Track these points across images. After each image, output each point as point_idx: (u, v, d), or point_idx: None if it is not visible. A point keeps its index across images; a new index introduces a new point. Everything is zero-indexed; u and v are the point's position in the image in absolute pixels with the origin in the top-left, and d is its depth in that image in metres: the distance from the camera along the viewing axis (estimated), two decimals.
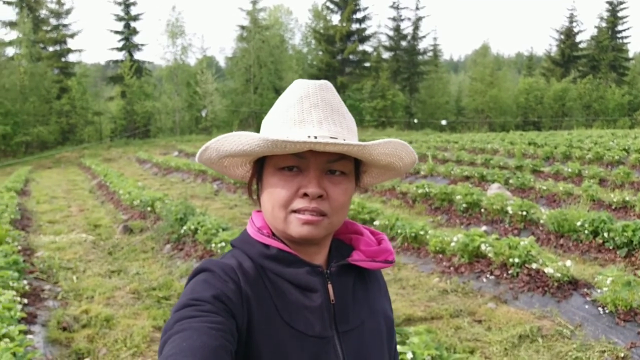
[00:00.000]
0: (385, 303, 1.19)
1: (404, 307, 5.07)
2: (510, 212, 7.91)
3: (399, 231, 7.28)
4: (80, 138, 38.20)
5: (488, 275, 5.62)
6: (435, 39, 56.77)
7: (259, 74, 42.98)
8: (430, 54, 50.33)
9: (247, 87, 43.39)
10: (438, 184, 11.40)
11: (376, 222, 7.81)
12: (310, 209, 0.96)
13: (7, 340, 3.73)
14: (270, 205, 1.00)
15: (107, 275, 6.90)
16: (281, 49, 45.24)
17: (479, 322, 4.73)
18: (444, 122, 39.66)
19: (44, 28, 40.04)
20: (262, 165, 1.03)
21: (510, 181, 11.15)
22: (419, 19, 48.35)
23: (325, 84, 1.03)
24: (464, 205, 8.98)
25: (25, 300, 5.17)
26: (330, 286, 1.04)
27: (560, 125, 43.23)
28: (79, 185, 17.87)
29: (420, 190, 10.34)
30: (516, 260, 5.35)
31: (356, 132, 1.06)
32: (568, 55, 49.49)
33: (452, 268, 6.09)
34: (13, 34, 37.98)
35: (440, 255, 6.51)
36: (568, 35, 49.59)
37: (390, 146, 1.01)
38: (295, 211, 0.97)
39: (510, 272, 5.43)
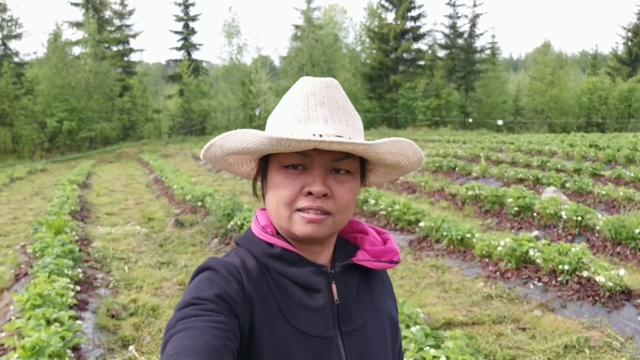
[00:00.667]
0: (390, 303, 1.17)
1: (444, 311, 4.96)
2: (565, 217, 7.58)
3: (444, 233, 7.14)
4: (140, 134, 39.75)
5: (535, 282, 5.42)
6: (493, 36, 55.31)
7: (311, 73, 43.18)
8: (488, 52, 48.98)
9: None
10: (490, 186, 11.09)
11: (421, 224, 7.68)
12: (315, 207, 0.95)
13: (57, 324, 3.94)
14: (274, 204, 0.99)
15: (157, 266, 7.14)
16: (335, 47, 45.30)
17: (523, 329, 4.57)
18: (500, 122, 38.51)
19: (108, 28, 41.95)
20: (267, 163, 1.02)
21: (567, 185, 10.68)
22: (477, 16, 47.14)
23: (332, 81, 1.02)
24: (516, 208, 8.68)
25: (78, 288, 5.46)
26: (334, 286, 1.03)
27: (625, 127, 40.97)
28: (137, 180, 18.59)
29: (470, 192, 10.08)
30: (566, 267, 5.13)
31: (362, 131, 1.05)
32: (636, 54, 46.86)
33: (498, 273, 5.91)
34: (79, 34, 40.04)
35: (487, 260, 6.33)
36: (636, 32, 46.94)
37: (397, 145, 1.00)
38: (299, 210, 0.97)
39: (559, 279, 5.21)
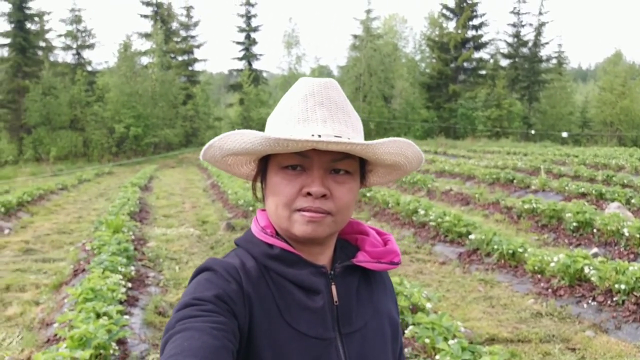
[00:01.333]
0: (391, 305, 1.16)
1: (489, 327, 4.80)
2: (627, 234, 7.15)
3: (495, 247, 6.92)
4: (201, 141, 41.03)
5: (589, 301, 5.14)
6: (560, 45, 53.10)
7: (368, 82, 43.23)
8: (554, 61, 47.17)
9: (357, 95, 43.79)
10: (549, 199, 10.63)
11: (472, 236, 7.48)
12: (314, 208, 0.95)
13: (105, 318, 4.13)
14: (274, 205, 0.99)
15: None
16: (393, 57, 45.09)
17: (573, 350, 4.34)
18: (565, 135, 36.89)
19: (174, 39, 43.74)
20: (266, 163, 1.03)
21: (633, 201, 10.08)
22: (542, 24, 45.55)
23: (331, 82, 1.02)
24: (574, 224, 8.27)
25: (130, 285, 5.69)
26: (333, 287, 1.03)
27: None
28: (195, 184, 19.21)
29: (526, 206, 9.71)
30: (623, 286, 4.84)
31: (362, 131, 1.05)
32: None
33: (550, 290, 5.65)
34: (147, 45, 41.98)
35: (539, 276, 6.07)
36: None
37: (395, 145, 1.00)
38: (298, 210, 0.96)
39: (615, 299, 4.92)
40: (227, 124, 45.00)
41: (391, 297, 1.18)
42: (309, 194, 0.95)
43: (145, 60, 40.62)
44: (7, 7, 37.09)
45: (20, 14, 37.45)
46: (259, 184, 1.08)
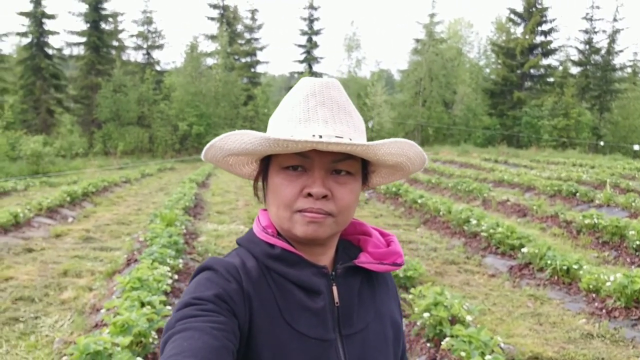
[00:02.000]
0: (394, 307, 1.16)
1: (533, 345, 4.59)
2: None
3: (548, 262, 6.61)
4: None
5: None
6: (635, 54, 50.16)
7: (429, 87, 42.56)
8: (629, 70, 44.62)
9: (416, 100, 43.24)
10: (613, 215, 10.05)
11: (524, 250, 7.19)
12: (315, 209, 0.95)
13: (149, 307, 4.28)
14: (275, 205, 0.99)
15: None
16: (457, 61, 44.19)
17: None
18: (636, 148, 34.78)
19: (239, 41, 44.88)
20: (267, 164, 1.02)
21: None
22: (616, 31, 43.15)
23: (333, 81, 1.02)
24: (638, 242, 7.79)
25: (176, 277, 5.87)
26: (335, 288, 1.02)
27: None
28: (250, 183, 19.56)
29: (587, 221, 9.22)
30: None
31: (364, 131, 1.04)
32: None
33: (604, 310, 5.34)
34: (213, 46, 43.30)
35: (593, 295, 5.76)
36: None
37: (397, 146, 0.99)
38: (300, 211, 0.96)
39: None
40: None
41: (394, 299, 1.17)
42: (309, 194, 0.95)
43: (210, 61, 42.00)
44: (83, 8, 39.33)
45: (95, 14, 39.60)
46: (260, 184, 1.08)
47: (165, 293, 5.06)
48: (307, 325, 0.96)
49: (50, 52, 38.73)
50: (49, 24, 38.49)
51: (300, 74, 45.57)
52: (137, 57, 44.13)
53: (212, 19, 44.97)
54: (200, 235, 9.05)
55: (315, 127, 0.94)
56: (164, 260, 6.02)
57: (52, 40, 46.37)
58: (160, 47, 43.93)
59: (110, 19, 41.78)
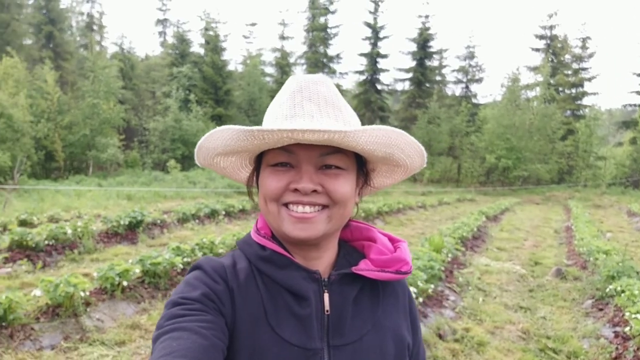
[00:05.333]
0: (401, 321, 1.06)
1: None
2: None
3: None
4: (575, 180, 37.90)
5: None
6: None
7: None
8: None
9: None
10: None
11: None
12: (306, 201, 0.92)
13: None
14: (263, 201, 0.97)
15: (513, 308, 6.92)
16: None
17: None
18: None
19: (564, 72, 41.75)
20: (260, 165, 1.01)
21: None
22: None
23: (320, 77, 0.99)
24: None
25: (420, 300, 5.95)
26: (326, 295, 0.98)
27: None
28: (549, 224, 17.97)
29: None
30: None
31: (356, 125, 0.98)
32: None
33: None
34: (533, 78, 41.49)
35: None
36: None
37: (381, 134, 0.91)
38: (288, 204, 0.94)
39: None
40: (612, 165, 40.05)
41: (403, 313, 1.08)
42: (296, 190, 0.92)
43: (530, 93, 40.38)
44: (413, 47, 43.18)
45: (422, 52, 43.01)
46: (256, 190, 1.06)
47: None
48: (291, 331, 0.93)
49: (380, 87, 43.85)
50: (381, 63, 43.74)
51: (637, 106, 39.34)
52: (456, 90, 45.87)
53: (537, 49, 43.17)
54: (468, 266, 8.85)
55: (300, 122, 0.92)
56: (415, 282, 6.17)
57: (382, 77, 52.45)
58: (479, 80, 44.65)
59: (435, 56, 44.70)
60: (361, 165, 1.01)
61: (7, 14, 32.17)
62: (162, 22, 52.05)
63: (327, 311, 0.96)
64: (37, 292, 4.90)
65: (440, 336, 5.38)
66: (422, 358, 1.14)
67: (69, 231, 8.19)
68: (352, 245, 1.09)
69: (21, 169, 17.72)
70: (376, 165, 1.04)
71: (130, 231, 9.61)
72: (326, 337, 0.95)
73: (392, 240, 1.08)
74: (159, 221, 10.74)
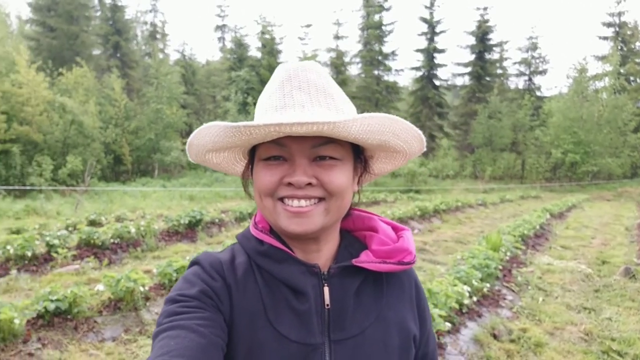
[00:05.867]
0: (407, 312, 1.03)
1: None
2: None
3: None
4: None
5: None
6: None
7: None
8: None
9: None
10: None
11: None
12: (301, 195, 0.90)
13: None
14: (258, 196, 0.95)
15: (576, 308, 6.60)
16: None
17: None
18: None
19: (635, 60, 39.30)
20: (253, 159, 0.98)
21: None
22: None
23: (309, 63, 0.94)
24: None
25: (475, 299, 5.80)
26: (326, 289, 0.95)
27: None
28: (620, 221, 16.97)
29: None
30: None
31: (351, 113, 0.95)
32: None
33: None
34: (602, 68, 39.30)
35: None
36: None
37: (373, 122, 0.88)
38: (282, 199, 0.91)
39: None
40: None
41: (409, 303, 1.04)
42: (290, 184, 0.90)
43: (598, 84, 38.30)
44: (471, 40, 42.04)
45: (481, 45, 41.81)
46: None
47: (450, 308, 5.10)
48: (290, 326, 0.91)
49: (437, 83, 43.01)
50: (439, 58, 42.85)
51: None
52: (519, 83, 44.26)
53: (605, 38, 40.86)
54: (528, 265, 8.51)
55: (291, 113, 0.88)
56: (469, 280, 6.02)
57: (440, 72, 51.37)
58: (543, 72, 42.87)
59: (495, 49, 43.32)
60: (358, 153, 0.98)
61: (76, 27, 34.12)
62: (221, 27, 53.56)
63: (328, 305, 0.94)
64: (100, 287, 5.20)
65: (494, 336, 5.21)
66: (432, 348, 1.12)
67: (133, 230, 8.60)
68: (354, 236, 1.07)
69: (91, 172, 18.73)
70: (374, 152, 1.01)
71: (190, 230, 9.96)
72: (327, 331, 0.93)
73: (395, 228, 1.05)
74: (217, 220, 11.05)
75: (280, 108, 0.89)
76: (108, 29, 37.44)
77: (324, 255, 0.99)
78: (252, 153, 0.98)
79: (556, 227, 13.99)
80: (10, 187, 17.61)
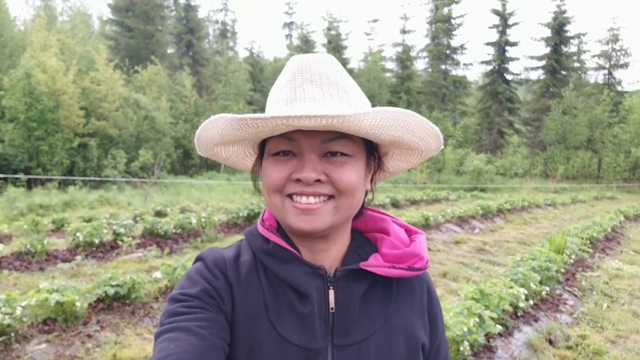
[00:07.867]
0: (416, 319, 0.98)
1: None
2: None
3: None
4: None
5: None
6: None
7: None
8: None
9: None
10: None
11: None
12: (309, 192, 0.86)
13: (476, 320, 4.33)
14: (266, 193, 0.92)
15: None
16: None
17: None
18: None
19: None
20: (263, 154, 0.95)
21: None
22: None
23: (322, 56, 0.91)
24: None
25: (531, 302, 5.57)
26: (331, 292, 0.92)
27: None
28: None
29: None
30: None
31: (365, 107, 0.91)
32: None
33: None
34: None
35: None
36: None
37: (386, 116, 0.83)
38: (291, 195, 0.88)
39: None
40: None
41: (419, 310, 1.00)
42: (299, 180, 0.86)
43: None
44: (546, 33, 40.09)
45: (557, 37, 39.80)
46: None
47: (503, 311, 4.92)
48: (292, 329, 0.88)
49: (508, 77, 41.41)
50: (510, 51, 41.28)
51: None
52: (598, 77, 41.81)
53: None
54: (595, 270, 8.05)
55: (302, 106, 0.85)
56: (526, 282, 5.79)
57: (511, 66, 49.35)
58: (624, 66, 40.23)
59: (572, 41, 41.12)
60: (372, 150, 0.95)
61: (152, 26, 35.79)
62: (289, 25, 54.24)
63: (332, 309, 0.91)
64: (158, 274, 5.45)
65: (550, 342, 4.98)
66: (444, 357, 1.06)
67: (194, 221, 8.94)
68: (366, 237, 1.03)
69: (161, 165, 19.61)
70: (388, 149, 0.97)
71: (248, 222, 10.22)
72: (330, 336, 0.90)
73: (409, 231, 1.01)
74: None
75: (290, 101, 0.87)
76: (181, 28, 38.98)
77: (332, 255, 0.95)
78: (262, 147, 0.95)
79: (630, 230, 13.12)
80: (87, 179, 18.80)
